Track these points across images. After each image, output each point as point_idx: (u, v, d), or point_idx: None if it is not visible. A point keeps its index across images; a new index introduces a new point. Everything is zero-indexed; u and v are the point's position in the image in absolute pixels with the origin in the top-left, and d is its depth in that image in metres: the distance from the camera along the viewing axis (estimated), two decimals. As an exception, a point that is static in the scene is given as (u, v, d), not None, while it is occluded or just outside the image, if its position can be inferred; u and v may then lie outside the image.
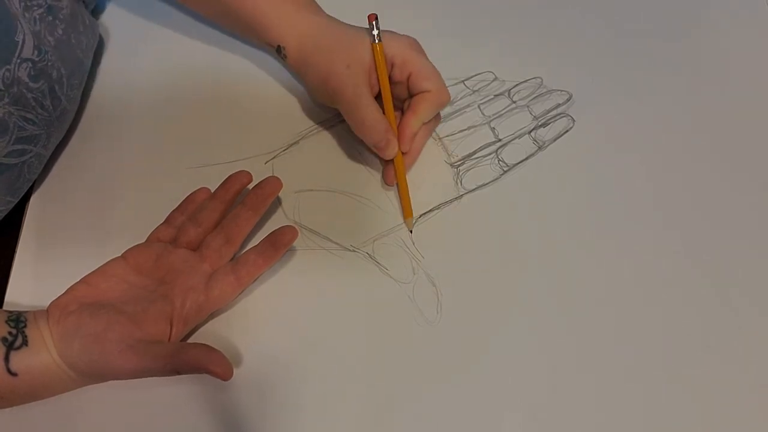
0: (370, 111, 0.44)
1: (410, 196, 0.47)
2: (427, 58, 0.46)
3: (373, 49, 0.45)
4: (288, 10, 0.48)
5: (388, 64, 0.45)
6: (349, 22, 0.48)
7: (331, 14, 0.49)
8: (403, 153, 0.46)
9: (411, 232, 0.46)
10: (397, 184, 0.47)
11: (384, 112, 0.45)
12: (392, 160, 0.46)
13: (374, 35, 0.44)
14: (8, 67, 0.39)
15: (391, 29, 0.46)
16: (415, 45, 0.46)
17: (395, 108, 0.47)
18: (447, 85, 0.52)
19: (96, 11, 0.56)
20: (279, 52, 0.49)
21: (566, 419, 0.40)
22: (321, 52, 0.46)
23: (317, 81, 0.46)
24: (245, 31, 0.51)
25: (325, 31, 0.47)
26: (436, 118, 0.48)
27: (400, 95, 0.47)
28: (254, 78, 0.54)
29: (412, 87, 0.46)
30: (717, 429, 0.40)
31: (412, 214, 0.46)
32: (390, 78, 0.46)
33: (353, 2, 0.49)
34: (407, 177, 0.47)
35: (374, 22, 0.44)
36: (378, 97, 0.46)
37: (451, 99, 0.52)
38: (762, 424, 0.40)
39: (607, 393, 0.41)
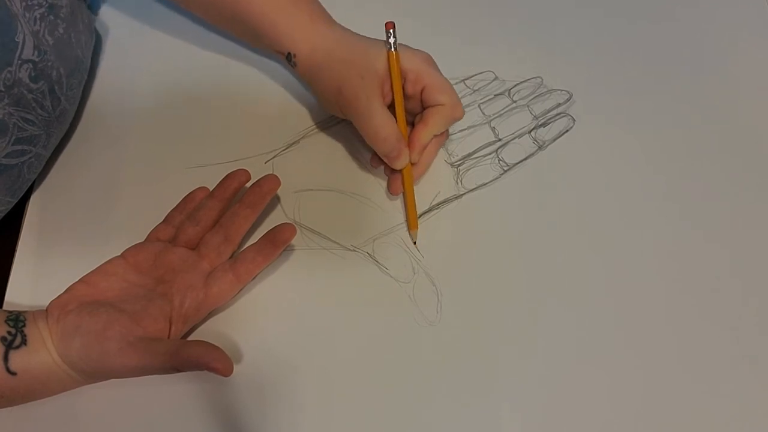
0: (383, 121, 0.44)
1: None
2: (440, 73, 0.46)
3: (389, 57, 0.44)
4: (301, 19, 0.47)
5: (402, 78, 0.45)
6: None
7: (337, 12, 0.49)
8: (411, 163, 0.46)
9: (415, 244, 0.46)
10: (404, 194, 0.46)
11: (396, 122, 0.45)
12: (400, 170, 0.46)
13: (391, 43, 0.44)
14: (10, 69, 0.39)
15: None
16: (429, 59, 0.46)
17: (406, 122, 0.46)
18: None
19: (95, 10, 0.56)
20: (288, 59, 0.48)
21: (567, 419, 0.40)
22: (334, 62, 0.46)
23: (329, 91, 0.46)
24: (253, 39, 0.51)
25: (338, 41, 0.46)
26: (445, 134, 0.48)
27: (412, 110, 0.47)
28: (254, 77, 0.54)
29: (425, 100, 0.45)
30: (717, 429, 0.40)
31: (417, 226, 0.46)
32: (403, 92, 0.46)
33: (356, 4, 0.49)
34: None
35: (392, 30, 0.44)
36: (390, 107, 0.45)
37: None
38: (763, 423, 0.40)
39: (608, 393, 0.41)
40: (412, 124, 0.48)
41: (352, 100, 0.44)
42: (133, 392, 0.40)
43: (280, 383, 0.41)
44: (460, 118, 0.46)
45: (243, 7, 0.48)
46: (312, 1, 0.49)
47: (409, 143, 0.45)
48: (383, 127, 0.44)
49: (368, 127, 0.44)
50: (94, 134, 0.51)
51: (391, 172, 0.47)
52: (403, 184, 0.46)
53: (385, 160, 0.45)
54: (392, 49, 0.44)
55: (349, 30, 0.48)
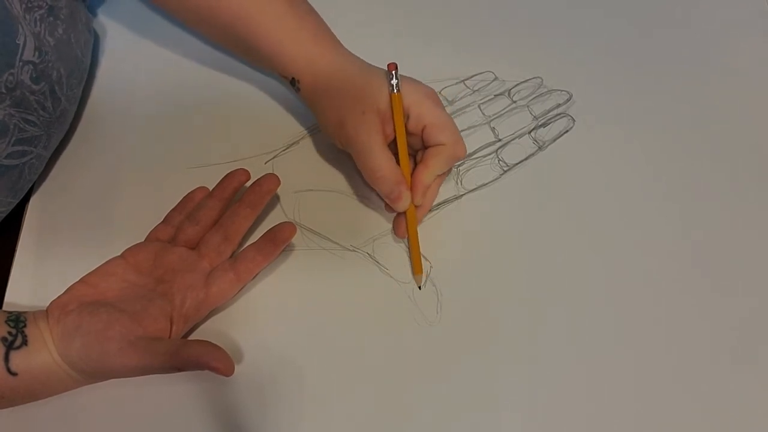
0: (383, 160, 0.43)
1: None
2: (443, 110, 0.44)
3: (391, 99, 0.43)
4: (305, 44, 0.46)
5: (404, 115, 0.44)
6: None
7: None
8: (415, 205, 0.44)
9: (420, 288, 0.44)
10: (408, 238, 0.45)
11: (398, 162, 0.44)
12: (404, 212, 0.44)
13: (393, 84, 0.43)
14: (12, 71, 0.39)
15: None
16: (432, 96, 0.45)
17: (409, 156, 0.45)
18: (447, 85, 0.52)
19: (93, 10, 0.56)
20: (292, 84, 0.48)
21: (566, 419, 0.40)
22: (336, 94, 0.45)
23: (331, 123, 0.45)
24: (258, 61, 0.50)
25: (341, 70, 0.45)
26: (447, 172, 0.47)
27: (414, 145, 0.46)
28: (255, 77, 0.54)
29: (426, 139, 0.44)
30: (717, 429, 0.40)
31: (422, 270, 0.44)
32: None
33: (358, 9, 0.49)
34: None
35: (394, 72, 0.43)
36: (392, 144, 0.44)
37: (452, 100, 0.52)
38: (763, 423, 0.40)
39: (608, 393, 0.41)
40: (414, 157, 0.47)
41: (353, 136, 0.43)
42: (133, 392, 0.40)
43: (280, 383, 0.41)
44: (462, 158, 0.45)
45: (246, 29, 0.47)
46: (317, 21, 0.48)
47: (411, 185, 0.44)
48: (381, 166, 0.43)
49: (366, 166, 0.43)
50: (94, 134, 0.51)
51: (396, 214, 0.46)
52: (406, 226, 0.45)
53: (386, 201, 0.44)
54: (395, 91, 0.43)
55: (352, 55, 0.47)
